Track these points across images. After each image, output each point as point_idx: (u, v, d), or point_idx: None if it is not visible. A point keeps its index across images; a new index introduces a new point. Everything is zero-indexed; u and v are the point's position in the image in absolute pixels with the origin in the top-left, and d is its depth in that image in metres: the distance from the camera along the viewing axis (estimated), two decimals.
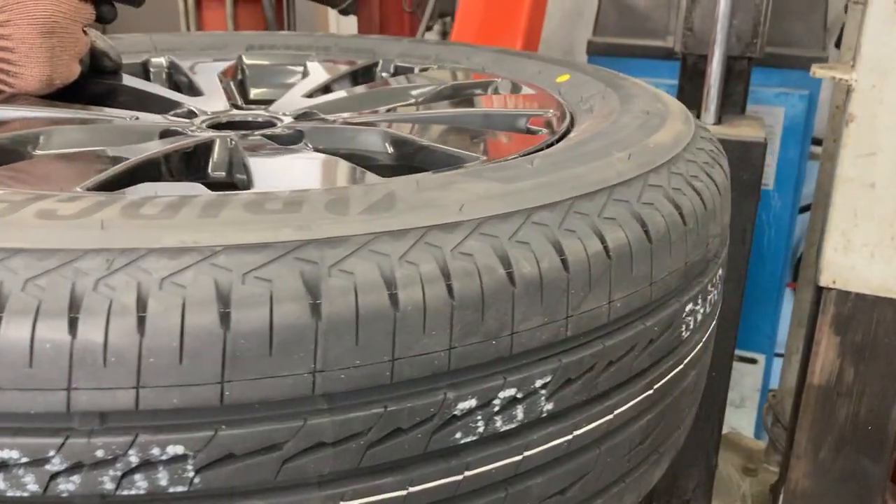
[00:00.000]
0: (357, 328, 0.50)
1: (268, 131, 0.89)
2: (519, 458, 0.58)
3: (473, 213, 0.56)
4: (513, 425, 0.57)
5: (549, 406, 0.58)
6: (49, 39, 0.96)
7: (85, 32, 1.04)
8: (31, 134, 0.82)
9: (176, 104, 1.03)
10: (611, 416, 0.64)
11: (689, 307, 0.69)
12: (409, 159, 0.84)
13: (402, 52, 1.29)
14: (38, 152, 0.80)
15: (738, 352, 2.69)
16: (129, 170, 0.71)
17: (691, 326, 0.71)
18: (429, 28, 2.61)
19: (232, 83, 1.18)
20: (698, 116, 1.47)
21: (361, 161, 0.87)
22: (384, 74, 1.26)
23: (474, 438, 0.56)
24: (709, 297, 0.74)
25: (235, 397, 0.49)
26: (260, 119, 0.97)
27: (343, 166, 0.74)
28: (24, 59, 0.95)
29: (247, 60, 1.28)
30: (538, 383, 0.57)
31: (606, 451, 0.64)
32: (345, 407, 0.51)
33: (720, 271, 0.77)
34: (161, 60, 1.24)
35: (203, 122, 0.94)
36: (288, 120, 0.95)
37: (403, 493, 0.54)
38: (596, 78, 1.03)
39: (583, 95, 0.99)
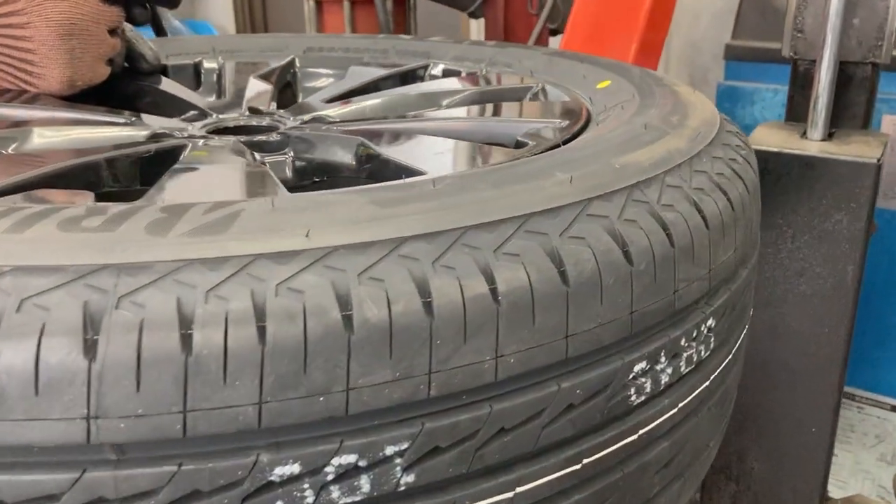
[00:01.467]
0: (138, 372, 0.42)
1: (257, 137, 0.84)
2: None
3: (322, 242, 0.47)
4: (357, 498, 0.48)
5: (410, 478, 0.48)
6: (68, 41, 0.96)
7: (117, 34, 1.04)
8: (14, 132, 0.81)
9: (193, 107, 1.01)
10: (511, 494, 0.52)
11: (639, 367, 0.56)
12: (372, 170, 0.76)
13: (458, 55, 1.21)
14: (8, 151, 0.79)
15: (890, 400, 2.38)
16: (54, 174, 0.68)
17: (648, 390, 0.58)
18: (556, 32, 2.49)
19: (274, 86, 1.15)
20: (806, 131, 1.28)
21: (334, 171, 0.80)
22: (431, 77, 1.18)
23: None
24: (685, 355, 0.61)
25: (1, 439, 0.43)
26: (264, 124, 0.92)
27: (262, 180, 0.67)
28: (44, 59, 0.96)
29: (299, 63, 1.25)
30: (390, 450, 0.47)
31: None
32: (130, 461, 0.44)
33: (710, 321, 0.63)
34: (213, 63, 1.24)
35: (204, 125, 0.91)
36: (289, 125, 0.90)
37: None
38: (634, 84, 0.90)
39: (607, 104, 0.86)
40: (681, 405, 0.62)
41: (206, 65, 1.23)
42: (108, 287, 0.44)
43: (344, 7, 2.20)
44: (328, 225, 0.49)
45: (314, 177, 0.81)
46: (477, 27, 3.35)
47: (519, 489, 0.53)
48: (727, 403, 0.72)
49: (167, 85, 1.08)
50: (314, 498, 0.47)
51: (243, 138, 0.84)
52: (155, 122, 0.92)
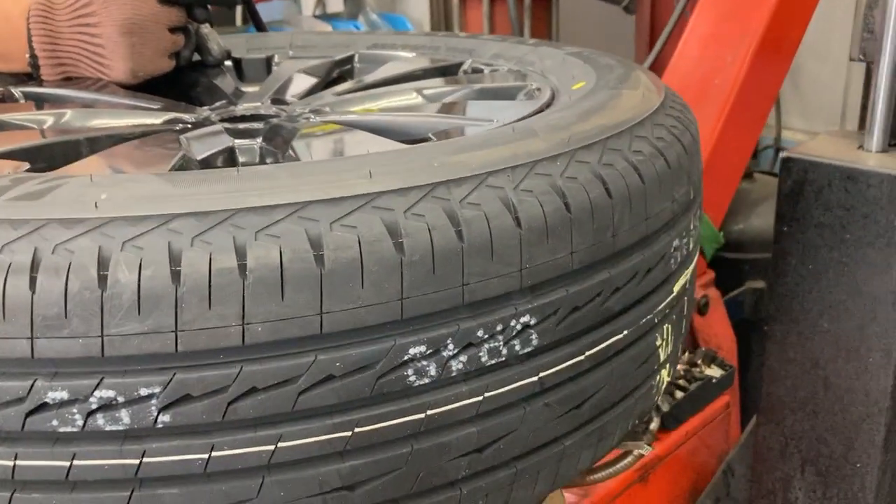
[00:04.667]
0: None
1: (242, 125, 0.96)
2: None
3: (107, 213, 0.57)
4: (119, 427, 0.57)
5: (166, 418, 0.57)
6: (129, 38, 1.14)
7: (180, 31, 1.21)
8: (52, 113, 0.99)
9: (225, 96, 1.15)
10: (271, 447, 0.59)
11: (416, 350, 0.61)
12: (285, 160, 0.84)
13: (496, 52, 1.25)
14: (43, 128, 0.97)
15: None
16: (36, 148, 0.84)
17: (432, 373, 0.62)
18: None
19: (321, 79, 1.26)
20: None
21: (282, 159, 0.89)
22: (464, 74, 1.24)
23: None
24: (487, 346, 0.63)
25: None
26: (270, 112, 1.04)
27: (159, 161, 0.78)
28: (110, 53, 1.15)
29: (357, 58, 1.36)
30: (144, 391, 0.56)
31: None
32: None
33: (527, 318, 0.65)
34: (282, 59, 1.37)
35: (219, 113, 1.04)
36: (285, 116, 1.01)
37: None
38: (591, 86, 0.91)
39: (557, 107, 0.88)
40: (488, 395, 0.65)
41: (276, 59, 1.37)
42: None
43: (483, 4, 2.28)
44: (120, 199, 0.58)
45: (270, 161, 0.91)
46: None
47: (281, 444, 0.59)
48: (585, 407, 0.73)
49: (219, 77, 1.23)
50: (83, 421, 0.57)
51: (229, 125, 0.96)
52: (183, 110, 1.07)
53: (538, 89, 1.03)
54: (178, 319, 0.55)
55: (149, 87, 1.18)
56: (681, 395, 1.57)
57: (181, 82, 1.23)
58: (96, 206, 0.57)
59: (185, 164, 0.79)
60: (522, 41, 1.27)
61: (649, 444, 1.11)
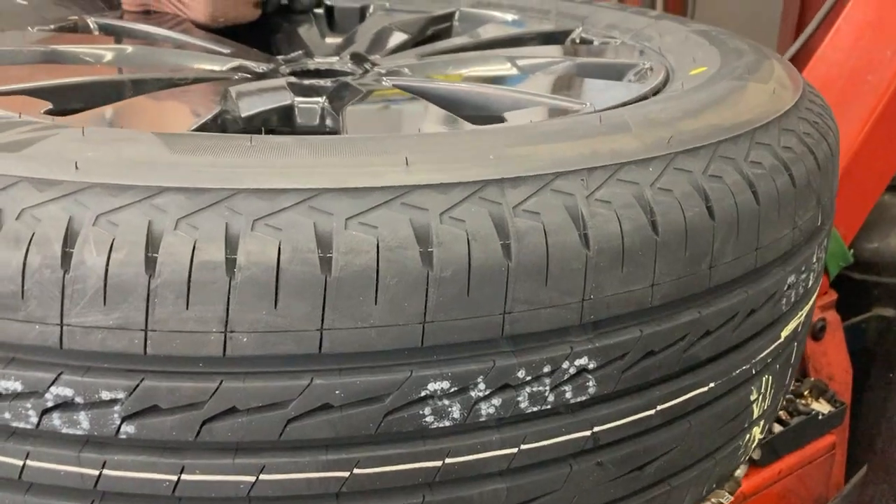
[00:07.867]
0: None
1: (307, 81, 0.86)
2: None
3: (86, 178, 0.48)
4: None
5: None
6: None
7: None
8: (113, 48, 0.92)
9: (304, 47, 1.05)
10: None
11: (438, 386, 0.49)
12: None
13: (611, 23, 1.10)
14: (102, 62, 0.90)
15: None
16: (71, 86, 0.76)
17: (456, 416, 0.50)
18: None
19: (412, 36, 1.14)
20: None
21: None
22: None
23: None
24: (527, 390, 0.51)
25: None
26: (345, 69, 0.93)
27: (182, 116, 0.68)
28: None
29: (456, 17, 1.23)
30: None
31: None
32: None
33: (585, 361, 0.52)
34: (374, 7, 1.27)
35: (291, 66, 0.95)
36: (358, 76, 0.90)
37: None
38: (713, 76, 0.75)
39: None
40: (524, 447, 0.53)
41: (370, 10, 1.27)
42: None
43: None
44: (107, 161, 0.49)
45: (330, 125, 0.80)
46: None
47: (263, 476, 0.49)
48: (649, 469, 0.59)
49: (305, 25, 1.14)
50: (37, 419, 0.48)
51: (296, 80, 0.86)
52: (254, 58, 0.97)
53: (651, 69, 0.88)
54: (150, 317, 0.46)
55: (231, 30, 1.10)
56: (779, 430, 1.40)
57: (264, 27, 1.14)
58: (77, 167, 0.48)
59: (223, 122, 0.70)
60: (643, 12, 1.11)
61: (731, 493, 0.97)
